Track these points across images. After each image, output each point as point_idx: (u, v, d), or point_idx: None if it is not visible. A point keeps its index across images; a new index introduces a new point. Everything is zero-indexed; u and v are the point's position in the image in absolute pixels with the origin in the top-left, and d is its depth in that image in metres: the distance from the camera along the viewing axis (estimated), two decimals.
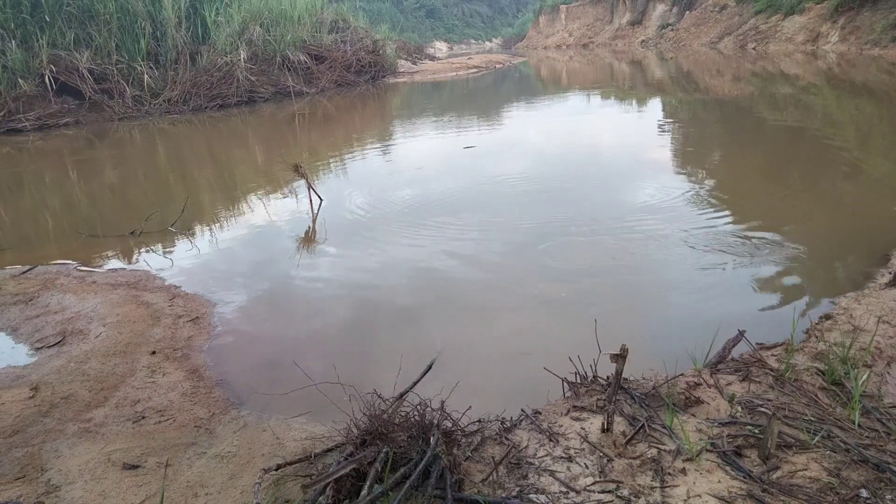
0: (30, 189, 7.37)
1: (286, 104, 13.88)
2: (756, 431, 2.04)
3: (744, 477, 1.86)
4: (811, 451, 1.94)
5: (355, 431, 2.01)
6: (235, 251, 4.61)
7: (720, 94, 12.36)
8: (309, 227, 5.08)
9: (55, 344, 3.21)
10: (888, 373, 2.41)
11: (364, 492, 1.77)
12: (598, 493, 1.84)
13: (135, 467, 2.16)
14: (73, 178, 7.96)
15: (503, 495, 1.85)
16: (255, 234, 5.01)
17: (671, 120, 10.10)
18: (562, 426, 2.18)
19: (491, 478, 1.93)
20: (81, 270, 4.30)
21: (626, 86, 16.11)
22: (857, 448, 1.92)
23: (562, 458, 2.01)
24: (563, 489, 1.87)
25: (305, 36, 16.10)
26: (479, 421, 2.25)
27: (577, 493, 1.85)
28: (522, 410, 2.30)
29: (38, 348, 3.19)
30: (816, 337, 2.69)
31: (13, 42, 11.71)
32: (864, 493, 1.75)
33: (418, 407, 2.04)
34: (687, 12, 28.76)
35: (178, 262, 4.45)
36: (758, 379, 2.37)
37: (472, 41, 57.22)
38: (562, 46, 36.83)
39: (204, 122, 12.21)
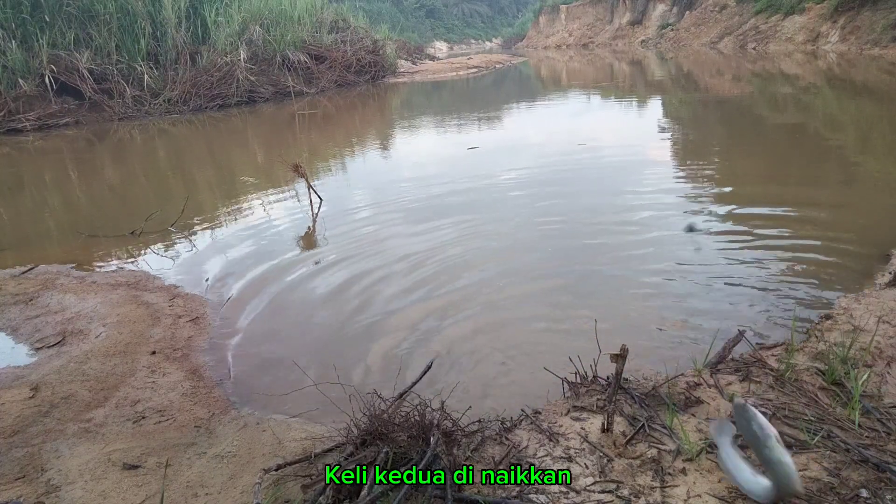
0: (30, 189, 7.37)
1: (286, 104, 13.88)
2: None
3: None
4: (811, 451, 1.94)
5: (355, 431, 2.01)
6: (235, 251, 4.61)
7: (720, 94, 12.36)
8: (309, 227, 5.08)
9: (55, 344, 3.21)
10: (888, 373, 2.41)
11: (364, 492, 1.77)
12: (598, 493, 1.84)
13: (135, 467, 2.16)
14: (73, 178, 7.96)
15: (503, 495, 1.85)
16: (254, 233, 5.00)
17: (671, 120, 10.10)
18: (562, 426, 2.18)
19: None
20: (81, 271, 4.30)
21: (626, 85, 16.11)
22: (857, 448, 1.92)
23: (562, 458, 2.01)
24: (563, 489, 1.87)
25: (305, 36, 16.11)
26: (479, 421, 2.25)
27: (577, 493, 1.85)
28: (522, 410, 2.30)
29: (38, 348, 3.20)
30: (816, 337, 2.68)
31: (13, 42, 11.72)
32: (864, 493, 1.75)
33: (418, 407, 2.04)
34: (687, 12, 28.76)
35: (178, 262, 4.45)
36: (758, 379, 2.37)
37: (472, 41, 57.26)
38: (562, 46, 36.83)
39: (204, 122, 12.21)
